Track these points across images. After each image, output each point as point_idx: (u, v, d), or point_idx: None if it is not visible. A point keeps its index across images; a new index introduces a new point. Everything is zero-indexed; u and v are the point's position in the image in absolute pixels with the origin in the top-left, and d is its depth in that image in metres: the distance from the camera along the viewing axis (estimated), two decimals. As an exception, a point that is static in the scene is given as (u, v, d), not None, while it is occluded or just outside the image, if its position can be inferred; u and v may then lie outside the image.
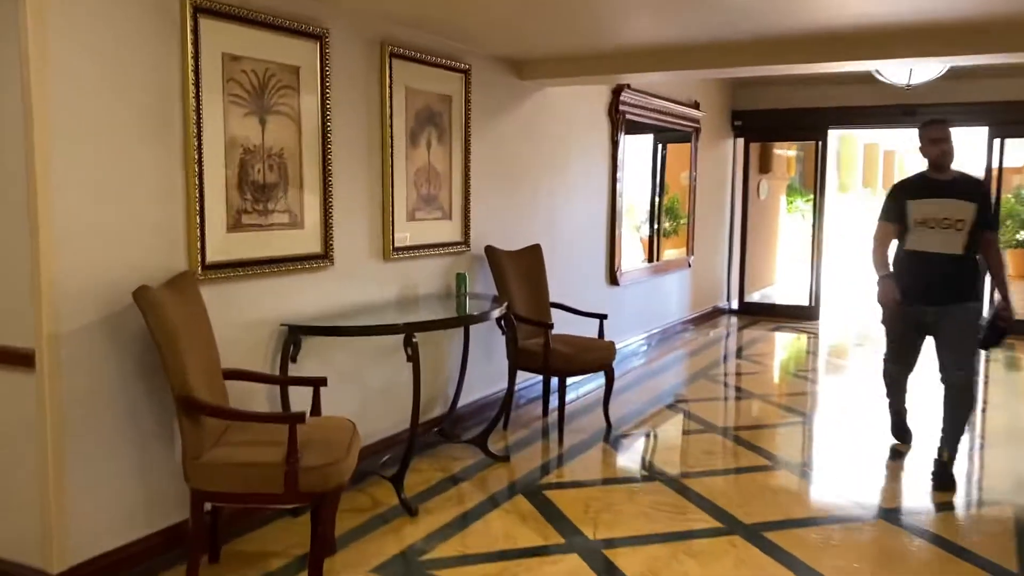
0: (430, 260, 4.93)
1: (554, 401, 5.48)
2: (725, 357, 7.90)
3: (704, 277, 9.49)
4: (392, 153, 4.48)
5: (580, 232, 6.68)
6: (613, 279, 7.19)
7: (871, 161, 23.42)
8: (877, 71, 8.10)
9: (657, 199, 8.60)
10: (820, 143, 9.81)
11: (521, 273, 5.45)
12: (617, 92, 6.95)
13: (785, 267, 12.78)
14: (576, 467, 4.64)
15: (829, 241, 9.98)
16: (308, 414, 3.27)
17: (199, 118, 3.35)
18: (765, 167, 11.51)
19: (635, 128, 7.47)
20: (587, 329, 5.62)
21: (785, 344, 8.74)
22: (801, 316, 9.80)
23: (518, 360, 5.00)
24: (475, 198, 5.28)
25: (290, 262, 3.86)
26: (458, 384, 5.10)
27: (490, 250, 5.30)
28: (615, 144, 7.06)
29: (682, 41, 5.00)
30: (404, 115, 4.59)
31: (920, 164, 4.71)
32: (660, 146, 8.74)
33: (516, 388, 5.06)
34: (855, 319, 10.08)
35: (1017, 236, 14.09)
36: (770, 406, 6.14)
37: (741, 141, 10.30)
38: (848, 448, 5.08)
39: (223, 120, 3.48)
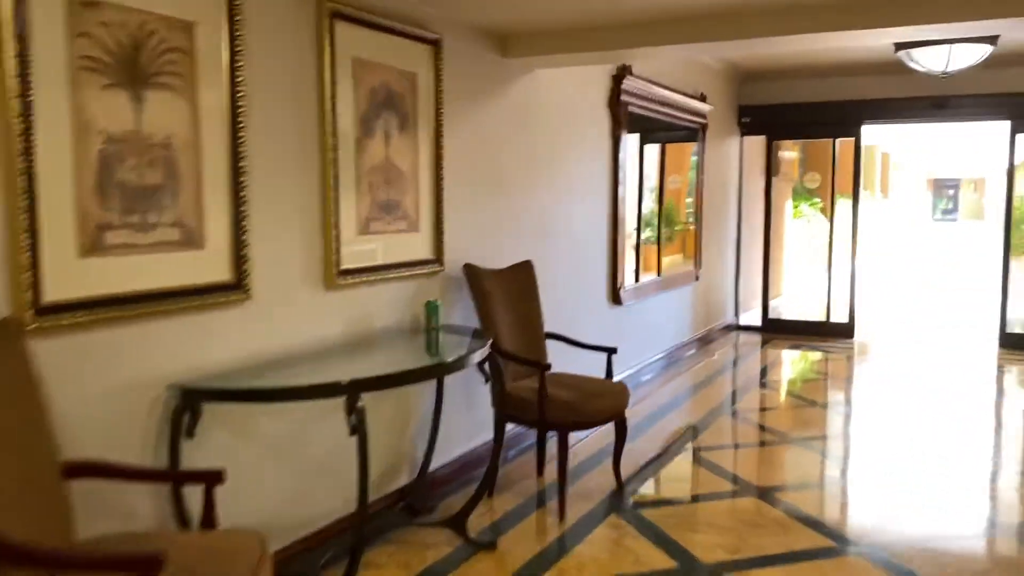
0: (391, 285, 3.83)
1: (551, 447, 4.36)
2: (747, 386, 6.84)
3: (713, 291, 8.43)
4: (336, 144, 3.38)
5: (578, 244, 5.60)
6: (615, 298, 6.11)
7: (869, 164, 22.53)
8: (909, 55, 7.10)
9: (657, 204, 7.54)
10: (836, 141, 8.81)
11: (509, 298, 4.36)
12: (618, 79, 5.88)
13: (792, 277, 11.77)
14: (583, 554, 3.53)
15: (860, 250, 8.93)
16: (199, 524, 2.18)
17: (26, 91, 2.24)
18: (772, 169, 10.49)
19: (638, 123, 6.41)
20: (589, 364, 4.54)
21: (821, 368, 7.69)
22: (831, 333, 8.75)
23: (506, 410, 3.91)
24: (450, 204, 4.18)
25: (183, 296, 2.74)
26: (429, 443, 3.99)
27: (470, 270, 4.21)
28: (616, 140, 5.99)
29: (688, 8, 3.99)
30: (353, 95, 3.49)
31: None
32: (661, 145, 7.69)
33: (504, 436, 3.96)
34: (899, 338, 9.01)
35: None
36: (812, 454, 5.07)
37: (750, 139, 9.28)
38: (941, 505, 4.03)
39: (68, 96, 2.36)
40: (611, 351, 4.38)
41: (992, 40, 6.68)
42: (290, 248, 3.22)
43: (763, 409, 6.16)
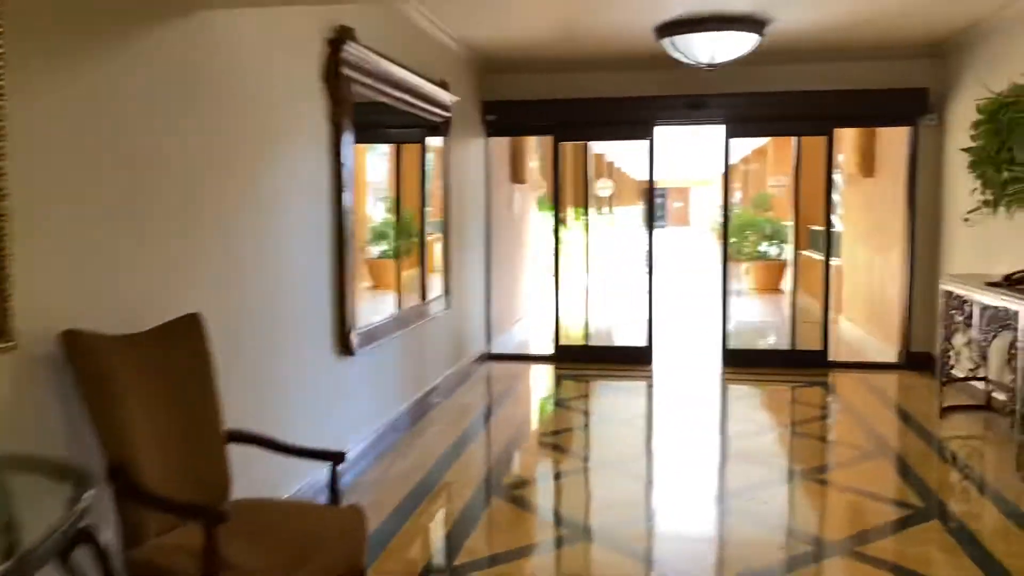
0: None
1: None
2: (528, 441, 5.52)
3: (464, 318, 7.08)
4: None
5: (284, 278, 3.88)
6: (344, 346, 4.47)
7: (597, 173, 22.69)
8: (673, 44, 6.26)
9: (395, 215, 6.03)
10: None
11: (156, 383, 2.55)
12: (336, 45, 4.26)
13: (545, 295, 10.88)
14: None
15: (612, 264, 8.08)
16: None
17: None
18: (518, 175, 9.44)
19: (366, 111, 4.82)
20: (305, 466, 2.88)
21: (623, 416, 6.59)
22: (631, 360, 7.76)
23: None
24: (30, 226, 2.30)
25: None
26: None
27: (75, 341, 2.36)
28: (338, 127, 4.36)
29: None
30: None
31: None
32: (396, 144, 6.18)
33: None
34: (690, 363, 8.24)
35: (759, 248, 13.54)
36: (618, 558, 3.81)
37: (496, 140, 8.09)
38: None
39: None
40: (336, 459, 2.73)
41: (759, 28, 6.02)
42: None
43: (558, 477, 4.84)
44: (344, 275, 4.41)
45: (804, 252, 13.11)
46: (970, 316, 5.16)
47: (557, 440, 5.45)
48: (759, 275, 13.42)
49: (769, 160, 16.82)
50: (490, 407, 6.30)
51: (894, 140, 7.83)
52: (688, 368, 7.80)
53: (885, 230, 8.02)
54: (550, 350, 8.03)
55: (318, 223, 4.24)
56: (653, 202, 8.48)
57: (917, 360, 7.19)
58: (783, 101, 7.21)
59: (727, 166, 7.86)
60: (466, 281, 7.16)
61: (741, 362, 7.56)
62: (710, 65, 6.26)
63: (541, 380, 7.37)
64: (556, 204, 7.94)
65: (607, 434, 5.66)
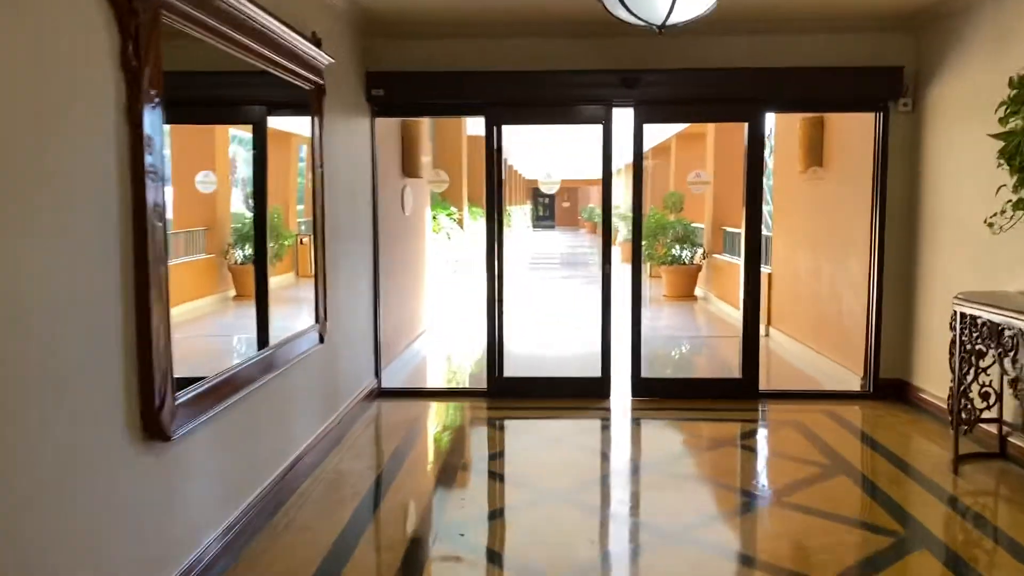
0: None
1: None
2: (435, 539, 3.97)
3: (344, 346, 5.47)
4: None
5: (24, 316, 2.21)
6: (154, 427, 2.82)
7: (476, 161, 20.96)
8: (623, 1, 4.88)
9: (255, 214, 4.37)
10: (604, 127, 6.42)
11: None
12: (129, -60, 2.61)
13: (439, 308, 9.34)
14: None
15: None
16: None
17: None
18: (411, 167, 7.87)
19: (207, 82, 3.18)
20: None
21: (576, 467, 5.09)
22: (582, 393, 6.31)
23: None
24: None
25: None
26: None
27: None
28: (135, 80, 2.70)
29: None
30: None
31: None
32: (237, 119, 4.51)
33: None
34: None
35: (672, 251, 12.48)
36: None
37: (384, 122, 6.50)
38: None
39: None
40: None
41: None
42: None
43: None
44: (148, 310, 2.75)
45: (719, 256, 12.18)
46: (1011, 347, 4.02)
47: (483, 538, 3.94)
48: (672, 281, 12.37)
49: (677, 156, 15.89)
50: (379, 481, 4.66)
51: (850, 129, 6.77)
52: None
53: (838, 234, 6.96)
54: (475, 383, 6.55)
55: (99, 228, 2.57)
56: (609, 200, 7.03)
57: (887, 389, 6.13)
58: (720, 80, 5.98)
59: (639, 156, 6.37)
60: (347, 298, 5.55)
61: (656, 391, 6.29)
62: (661, 28, 4.92)
63: (451, 423, 5.85)
64: (494, 201, 6.41)
65: (555, 523, 4.17)
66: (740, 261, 10.77)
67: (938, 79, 5.65)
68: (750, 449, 5.16)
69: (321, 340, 4.75)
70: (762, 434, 5.51)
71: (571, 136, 15.21)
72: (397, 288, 7.32)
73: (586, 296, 13.55)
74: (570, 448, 5.20)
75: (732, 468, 4.88)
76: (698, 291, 12.74)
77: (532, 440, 5.38)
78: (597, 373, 6.31)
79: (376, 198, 6.34)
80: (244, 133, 4.34)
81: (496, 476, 4.74)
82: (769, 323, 9.05)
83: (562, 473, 4.66)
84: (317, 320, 4.69)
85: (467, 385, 7.08)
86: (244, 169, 4.33)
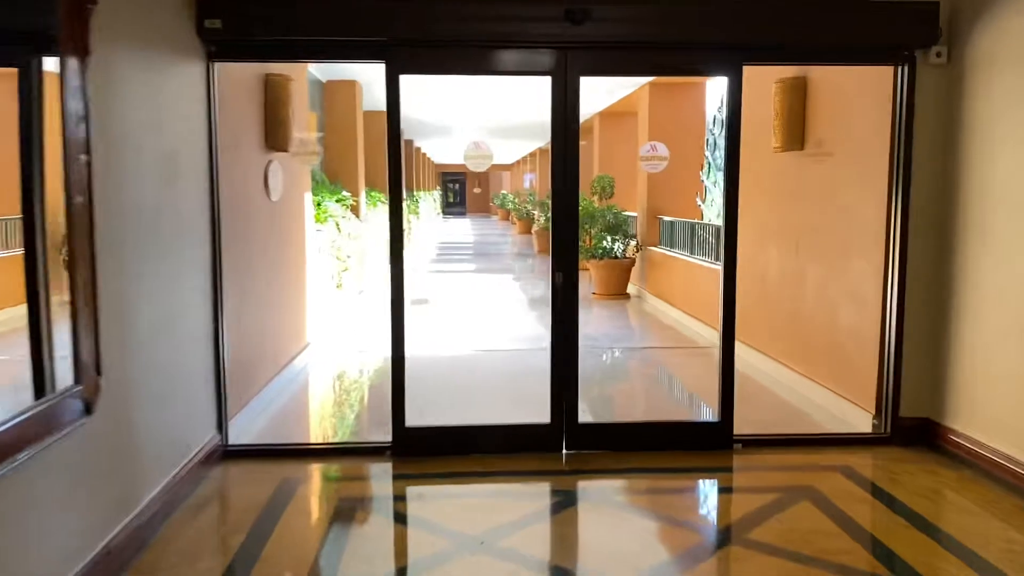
0: None
1: None
2: None
3: (154, 402, 3.58)
4: None
5: None
6: None
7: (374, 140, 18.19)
8: None
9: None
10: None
11: None
12: None
13: (327, 316, 7.43)
14: None
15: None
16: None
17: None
18: (275, 139, 5.93)
19: None
20: None
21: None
22: (524, 445, 4.56)
23: None
24: None
25: None
26: None
27: None
28: None
29: None
30: None
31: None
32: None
33: None
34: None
35: (602, 243, 10.90)
36: None
37: (231, 70, 4.58)
38: None
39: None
40: None
41: None
42: None
43: None
44: None
45: (655, 249, 10.69)
46: None
47: None
48: (602, 277, 10.80)
49: (600, 137, 14.35)
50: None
51: (850, 92, 5.28)
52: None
53: (833, 228, 5.47)
54: (374, 432, 4.76)
55: None
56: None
57: (910, 432, 4.67)
58: (690, 18, 4.38)
59: (573, 122, 4.61)
60: (157, 329, 3.66)
61: (594, 440, 4.67)
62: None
63: (329, 506, 4.05)
64: (394, 181, 4.58)
65: None
66: (683, 256, 9.16)
67: (986, 21, 4.17)
68: (767, 550, 3.51)
69: (87, 410, 2.86)
70: (766, 510, 3.90)
71: (490, 95, 13.37)
72: (258, 299, 5.44)
73: (507, 295, 11.84)
74: (504, 561, 3.47)
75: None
76: (631, 288, 11.23)
77: (450, 544, 3.61)
78: (545, 417, 4.61)
79: (216, 180, 4.43)
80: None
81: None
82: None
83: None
84: (78, 380, 2.80)
85: (361, 438, 5.24)
86: None
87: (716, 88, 10.98)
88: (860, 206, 5.01)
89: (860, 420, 4.93)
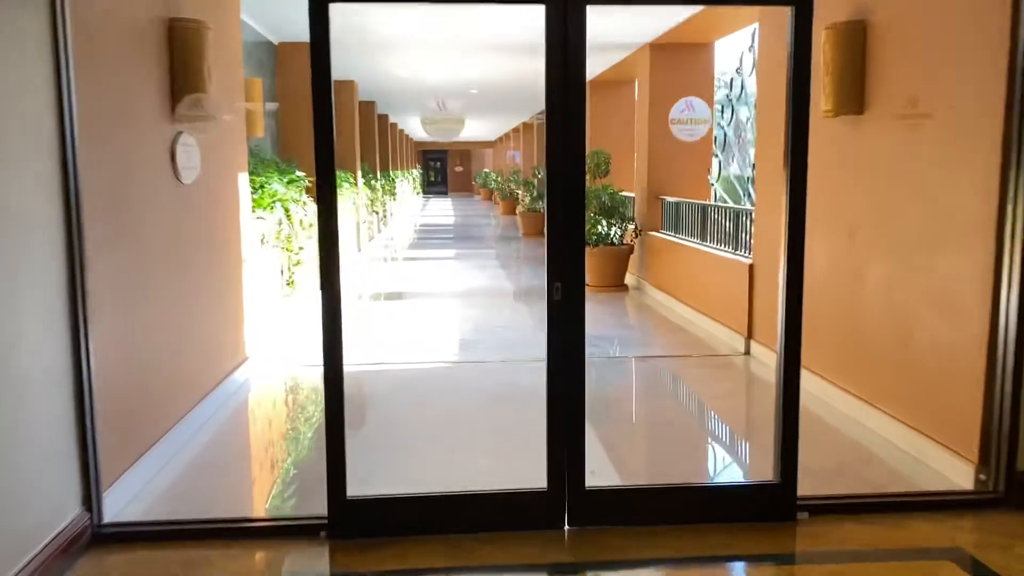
0: None
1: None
2: None
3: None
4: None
5: None
6: None
7: (367, 133, 15.44)
8: None
9: None
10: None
11: None
12: None
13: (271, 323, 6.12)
14: None
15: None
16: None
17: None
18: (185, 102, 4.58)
19: None
20: None
21: None
22: (513, 521, 3.25)
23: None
24: None
25: None
26: None
27: None
28: None
29: None
30: None
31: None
32: None
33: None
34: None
35: (598, 228, 9.62)
36: None
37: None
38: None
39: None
40: None
41: None
42: None
43: None
44: None
45: (656, 234, 9.45)
46: None
47: None
48: (597, 266, 9.55)
49: (592, 110, 12.99)
50: None
51: (931, 35, 4.01)
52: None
53: (900, 214, 4.23)
54: (310, 503, 3.51)
55: None
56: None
57: (1030, 490, 3.47)
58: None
59: (576, 71, 3.33)
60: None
61: (608, 514, 3.43)
62: None
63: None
64: (324, 155, 3.32)
65: None
66: (692, 243, 7.99)
67: None
68: None
69: None
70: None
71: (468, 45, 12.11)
72: (163, 314, 4.14)
73: (491, 287, 10.55)
74: None
75: None
76: (629, 279, 9.99)
77: None
78: (540, 477, 3.36)
79: (74, 164, 3.12)
80: None
81: None
82: (750, 336, 6.35)
83: None
84: None
85: (296, 503, 3.94)
86: None
87: (725, 48, 9.73)
88: (951, 185, 3.77)
89: (951, 468, 3.73)
